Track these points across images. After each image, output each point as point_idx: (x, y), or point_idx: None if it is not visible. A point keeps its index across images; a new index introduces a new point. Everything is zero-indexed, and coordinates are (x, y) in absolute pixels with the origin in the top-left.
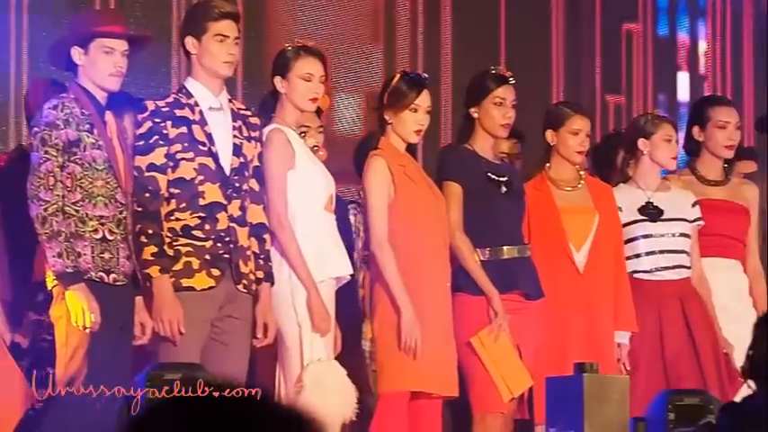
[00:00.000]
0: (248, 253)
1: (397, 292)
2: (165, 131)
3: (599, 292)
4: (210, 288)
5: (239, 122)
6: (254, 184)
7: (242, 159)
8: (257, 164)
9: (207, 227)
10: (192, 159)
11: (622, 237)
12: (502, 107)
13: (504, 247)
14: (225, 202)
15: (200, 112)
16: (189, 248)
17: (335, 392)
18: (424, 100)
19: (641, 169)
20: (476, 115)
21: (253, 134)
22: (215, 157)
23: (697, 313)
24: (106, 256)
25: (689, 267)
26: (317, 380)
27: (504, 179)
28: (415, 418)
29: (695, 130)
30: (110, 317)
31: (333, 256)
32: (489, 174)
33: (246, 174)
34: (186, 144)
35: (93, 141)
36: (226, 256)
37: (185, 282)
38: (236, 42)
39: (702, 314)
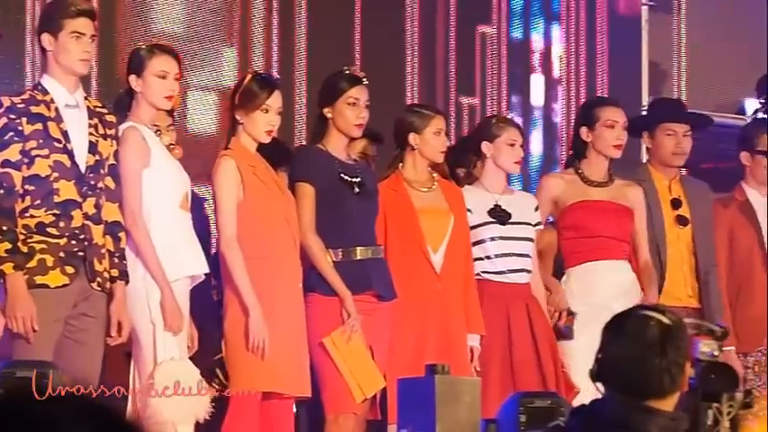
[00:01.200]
0: (103, 251)
1: (245, 293)
2: (20, 128)
3: (453, 293)
4: (64, 286)
5: (95, 120)
6: (109, 182)
7: (97, 157)
8: (113, 162)
9: (61, 224)
10: (47, 156)
11: (470, 239)
12: (355, 107)
13: (357, 248)
14: (80, 200)
15: (56, 109)
16: (43, 246)
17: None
18: (275, 100)
19: (487, 172)
20: (329, 115)
21: (109, 132)
22: (70, 154)
23: (539, 318)
24: None
25: (530, 271)
26: (169, 378)
27: (357, 180)
28: (268, 418)
29: (583, 130)
30: None
31: (187, 254)
32: (342, 174)
33: (102, 171)
34: (41, 141)
35: None
36: (80, 253)
37: (39, 279)
38: (92, 40)
39: (544, 320)
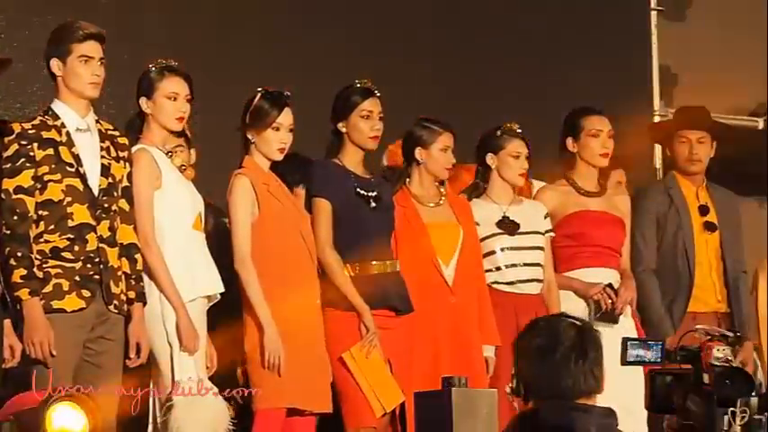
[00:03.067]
0: (119, 273)
1: (260, 310)
2: (31, 153)
3: (467, 306)
4: (81, 309)
5: (107, 143)
6: (123, 204)
7: (110, 180)
8: (127, 184)
9: (76, 248)
10: (59, 181)
11: (481, 251)
12: (369, 120)
13: (374, 263)
14: (94, 223)
15: (67, 133)
16: (58, 270)
17: (205, 410)
18: (285, 118)
19: (493, 183)
20: (344, 130)
21: (121, 154)
22: (83, 177)
23: None
24: None
25: (541, 281)
26: (187, 398)
27: (374, 194)
28: None
29: (569, 141)
30: None
31: (203, 274)
32: (358, 189)
33: (115, 194)
34: (53, 166)
35: None
36: (96, 276)
37: (56, 304)
38: (100, 63)
39: None
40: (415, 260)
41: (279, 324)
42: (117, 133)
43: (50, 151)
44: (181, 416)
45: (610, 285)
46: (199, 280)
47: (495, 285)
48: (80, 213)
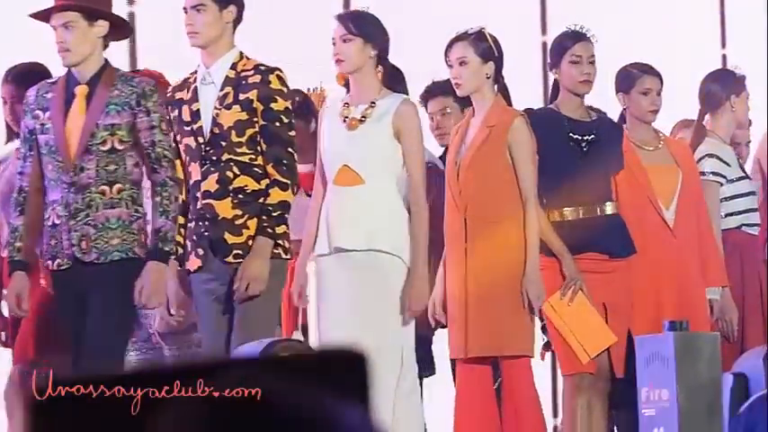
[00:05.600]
0: (237, 223)
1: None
2: (168, 117)
3: (688, 248)
4: (198, 269)
5: (228, 89)
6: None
7: (216, 130)
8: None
9: (191, 207)
10: (180, 142)
11: (703, 192)
12: (579, 65)
13: (580, 208)
14: (200, 179)
15: (195, 89)
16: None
17: None
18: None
19: (722, 122)
20: (556, 76)
21: (243, 97)
22: (195, 134)
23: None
24: (53, 242)
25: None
26: None
27: (590, 137)
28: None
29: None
30: (60, 303)
31: None
32: (570, 133)
33: (223, 144)
34: (176, 127)
35: (41, 125)
36: (206, 233)
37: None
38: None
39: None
40: (635, 203)
41: None
42: (250, 73)
43: (176, 112)
44: None
45: None
46: None
47: (746, 228)
48: (195, 172)
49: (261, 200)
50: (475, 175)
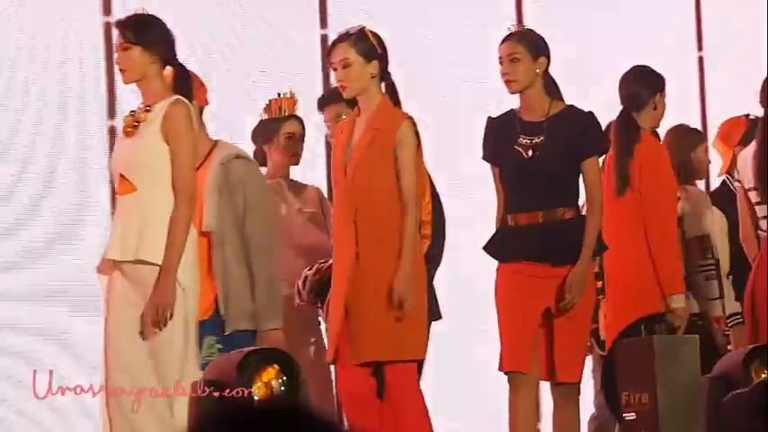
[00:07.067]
0: None
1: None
2: None
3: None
4: None
5: None
6: None
7: None
8: None
9: None
10: None
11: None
12: (501, 65)
13: (534, 212)
14: None
15: None
16: None
17: None
18: None
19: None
20: None
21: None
22: None
23: None
24: None
25: None
26: None
27: (539, 139)
28: None
29: None
30: None
31: None
32: (521, 136)
33: None
34: None
35: None
36: None
37: None
38: None
39: None
40: None
41: None
42: None
43: None
44: None
45: None
46: None
47: None
48: None
49: None
50: (364, 175)
